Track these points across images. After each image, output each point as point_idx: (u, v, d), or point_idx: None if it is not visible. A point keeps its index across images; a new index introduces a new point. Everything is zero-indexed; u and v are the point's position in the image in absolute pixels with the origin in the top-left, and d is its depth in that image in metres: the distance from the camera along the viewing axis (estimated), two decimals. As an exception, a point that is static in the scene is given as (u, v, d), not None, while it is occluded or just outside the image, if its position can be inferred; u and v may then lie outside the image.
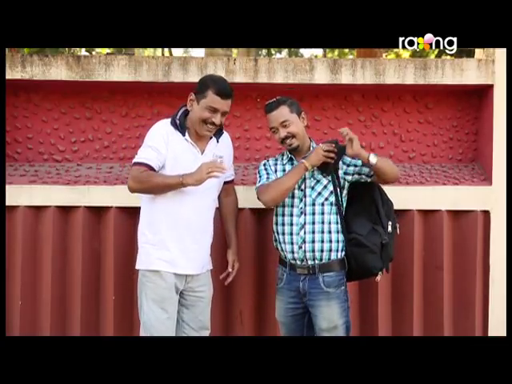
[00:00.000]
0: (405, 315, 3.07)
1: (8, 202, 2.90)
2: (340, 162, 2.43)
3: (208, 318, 2.50)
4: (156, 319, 2.32)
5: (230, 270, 2.58)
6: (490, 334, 3.06)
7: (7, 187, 2.90)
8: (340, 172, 2.43)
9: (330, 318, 2.37)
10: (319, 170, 2.42)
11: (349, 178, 2.45)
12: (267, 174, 2.51)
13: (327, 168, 2.40)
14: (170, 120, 2.42)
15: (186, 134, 2.39)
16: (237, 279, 3.01)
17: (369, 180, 2.45)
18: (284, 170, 2.50)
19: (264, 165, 2.58)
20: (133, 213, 2.87)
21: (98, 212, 3.04)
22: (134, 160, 2.36)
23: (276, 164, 2.55)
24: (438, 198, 3.07)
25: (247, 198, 3.01)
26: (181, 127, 2.38)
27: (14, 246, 2.98)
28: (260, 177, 2.53)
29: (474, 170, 3.22)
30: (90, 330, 3.03)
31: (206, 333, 2.49)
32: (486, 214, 3.08)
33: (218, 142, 2.47)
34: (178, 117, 2.41)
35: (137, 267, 2.45)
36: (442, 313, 3.05)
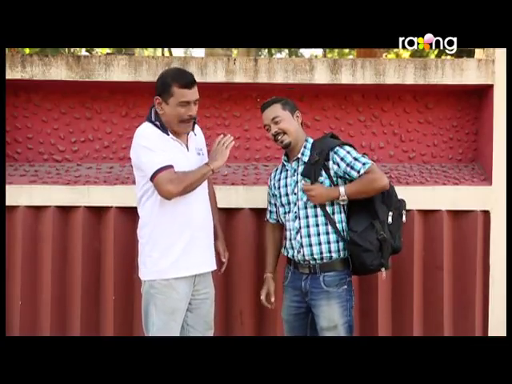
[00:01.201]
0: (405, 315, 3.07)
1: (8, 202, 2.90)
2: (330, 162, 2.40)
3: (212, 318, 2.48)
4: (167, 331, 2.28)
5: (223, 260, 2.54)
6: (490, 334, 3.06)
7: (7, 187, 2.91)
8: (331, 172, 2.40)
9: (331, 318, 2.37)
10: (305, 177, 2.42)
11: (340, 174, 2.41)
12: (269, 202, 2.64)
13: (311, 174, 2.40)
14: (149, 123, 2.33)
15: (169, 133, 2.32)
16: (237, 279, 3.02)
17: None
18: (279, 179, 2.54)
19: (269, 186, 2.64)
20: (133, 213, 2.86)
21: (98, 212, 3.04)
22: (154, 169, 2.19)
23: (275, 176, 2.59)
24: (438, 198, 3.07)
25: (247, 198, 3.01)
26: (163, 128, 2.31)
27: (14, 246, 2.98)
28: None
29: (474, 170, 3.22)
30: (90, 329, 3.03)
31: (211, 332, 2.48)
32: (486, 213, 3.08)
33: (195, 135, 2.43)
34: (154, 118, 2.32)
35: (144, 278, 2.35)
36: (442, 313, 3.05)
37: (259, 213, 3.02)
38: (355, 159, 2.36)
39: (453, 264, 3.10)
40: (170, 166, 2.22)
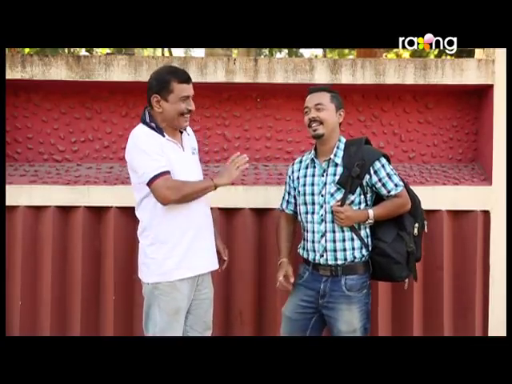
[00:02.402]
0: (405, 315, 3.07)
1: (8, 202, 2.90)
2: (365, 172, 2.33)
3: (211, 319, 2.48)
4: (170, 332, 2.28)
5: (225, 258, 2.52)
6: (490, 334, 3.06)
7: (7, 187, 2.91)
8: (364, 182, 2.34)
9: (350, 322, 2.33)
10: (339, 185, 2.34)
11: (369, 185, 2.36)
12: (288, 192, 2.55)
13: (347, 185, 2.33)
14: (144, 125, 2.31)
15: (165, 134, 2.30)
16: (237, 279, 3.02)
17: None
18: (305, 176, 2.44)
19: (288, 176, 2.55)
20: (133, 213, 2.84)
21: (98, 212, 3.04)
22: (152, 174, 2.18)
23: (299, 169, 2.49)
24: (438, 198, 3.07)
25: (247, 198, 3.01)
26: (158, 129, 2.29)
27: (14, 246, 2.99)
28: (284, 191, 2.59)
29: (473, 170, 3.22)
30: (90, 330, 3.03)
31: (209, 332, 2.48)
32: (486, 214, 3.08)
33: (188, 134, 2.43)
34: (149, 120, 2.30)
35: (147, 281, 2.31)
36: (442, 313, 3.06)
37: (259, 213, 3.03)
38: (388, 176, 2.34)
39: (453, 264, 3.10)
40: (167, 172, 2.21)
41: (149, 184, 2.21)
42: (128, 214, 2.96)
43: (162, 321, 2.28)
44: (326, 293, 2.36)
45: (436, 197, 3.06)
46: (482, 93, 3.20)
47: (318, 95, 2.38)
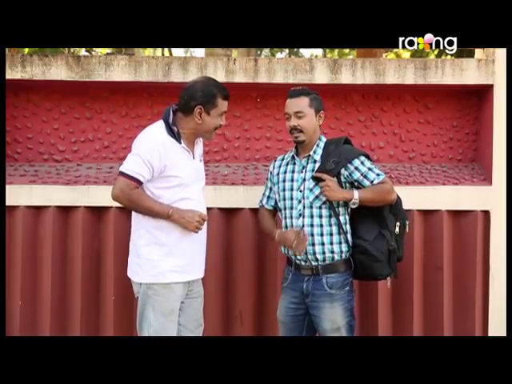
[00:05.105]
0: (405, 315, 3.07)
1: (8, 202, 2.90)
2: (342, 169, 2.38)
3: (202, 315, 2.49)
4: (164, 332, 2.28)
5: None
6: (490, 334, 3.06)
7: (7, 187, 2.91)
8: (342, 177, 2.39)
9: (334, 320, 2.36)
10: (313, 179, 2.38)
11: (350, 181, 2.40)
12: (269, 188, 2.59)
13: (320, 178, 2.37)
14: (163, 125, 2.30)
15: (182, 141, 2.31)
16: (237, 279, 3.02)
17: None
18: (285, 172, 2.49)
19: (270, 172, 2.60)
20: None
21: (97, 212, 3.04)
22: (124, 169, 2.23)
23: (280, 166, 2.55)
24: (438, 198, 3.07)
25: (247, 198, 3.01)
26: (178, 135, 2.29)
27: (14, 246, 2.99)
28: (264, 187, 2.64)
29: (473, 170, 3.22)
30: (90, 330, 3.03)
31: (201, 329, 2.49)
32: (486, 214, 3.08)
33: (199, 141, 2.44)
34: (172, 122, 2.29)
35: (140, 281, 2.32)
36: (442, 313, 3.06)
37: (259, 213, 3.02)
38: (369, 169, 2.39)
39: (453, 264, 3.10)
40: (137, 181, 2.23)
41: (119, 174, 2.26)
42: (128, 214, 2.94)
43: (157, 321, 2.28)
44: (309, 292, 2.40)
45: (436, 197, 3.07)
46: (482, 93, 3.20)
47: (297, 101, 2.41)
